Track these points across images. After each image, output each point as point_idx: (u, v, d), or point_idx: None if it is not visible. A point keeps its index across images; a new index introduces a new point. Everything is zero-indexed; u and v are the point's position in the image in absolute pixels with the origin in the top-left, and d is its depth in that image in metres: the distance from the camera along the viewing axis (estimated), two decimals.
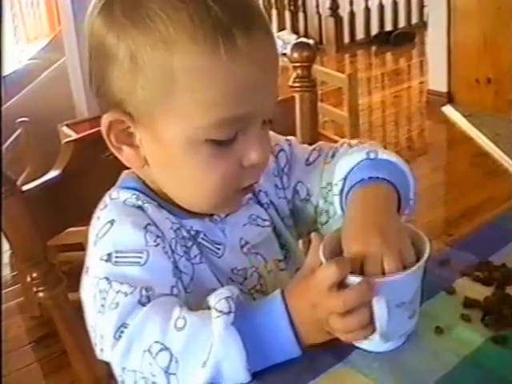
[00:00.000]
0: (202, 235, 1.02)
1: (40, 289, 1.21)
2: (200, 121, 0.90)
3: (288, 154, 1.14)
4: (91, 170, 1.20)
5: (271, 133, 1.04)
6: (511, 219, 1.22)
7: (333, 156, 1.12)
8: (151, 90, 0.90)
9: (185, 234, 1.01)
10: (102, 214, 0.98)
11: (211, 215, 1.04)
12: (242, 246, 1.06)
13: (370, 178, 0.99)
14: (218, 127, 0.90)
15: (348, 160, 1.05)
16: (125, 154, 0.98)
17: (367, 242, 0.88)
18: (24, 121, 2.77)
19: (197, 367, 0.84)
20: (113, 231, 0.95)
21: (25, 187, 1.19)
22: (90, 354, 0.96)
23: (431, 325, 0.92)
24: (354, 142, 1.13)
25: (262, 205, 1.10)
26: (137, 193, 1.00)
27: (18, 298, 3.09)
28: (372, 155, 1.04)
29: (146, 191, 1.01)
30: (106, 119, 0.95)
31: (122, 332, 0.87)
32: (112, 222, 0.95)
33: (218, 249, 1.03)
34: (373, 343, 0.88)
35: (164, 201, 1.01)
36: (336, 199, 1.05)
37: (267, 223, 1.09)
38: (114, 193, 1.01)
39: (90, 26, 0.94)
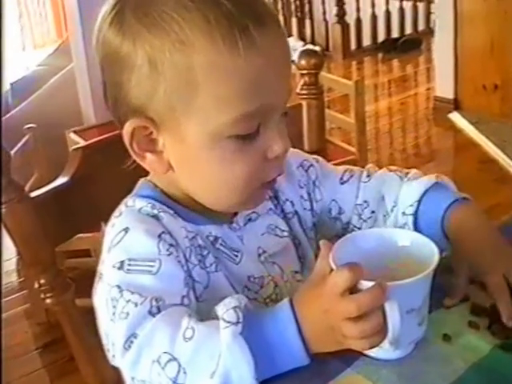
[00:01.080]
0: (220, 241, 1.03)
1: (48, 295, 1.22)
2: (223, 117, 0.91)
3: (318, 170, 1.17)
4: (100, 177, 1.20)
5: (296, 150, 1.11)
6: None
7: (368, 176, 1.16)
8: (173, 92, 0.90)
9: (200, 242, 1.00)
10: (117, 222, 0.99)
11: (230, 223, 1.05)
12: (259, 255, 1.06)
13: (463, 198, 1.08)
14: (241, 122, 0.91)
15: (417, 183, 1.11)
16: (148, 161, 0.98)
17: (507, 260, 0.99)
18: (32, 127, 2.77)
19: (205, 378, 0.84)
20: (126, 239, 0.95)
21: (33, 193, 1.20)
22: (98, 360, 0.97)
23: (439, 332, 0.92)
24: (392, 168, 1.18)
25: (285, 214, 1.12)
26: (152, 201, 1.00)
27: (24, 304, 3.09)
28: (442, 181, 1.11)
29: (163, 199, 1.01)
30: (128, 127, 0.95)
31: (132, 342, 0.87)
32: (126, 229, 0.96)
33: (236, 255, 1.03)
34: (382, 351, 0.87)
35: (183, 207, 1.01)
36: (410, 219, 1.09)
37: (285, 234, 1.10)
38: (130, 201, 1.01)
39: (101, 38, 0.95)
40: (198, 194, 1.00)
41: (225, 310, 0.86)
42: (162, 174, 1.00)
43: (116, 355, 0.90)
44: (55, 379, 2.65)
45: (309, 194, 1.15)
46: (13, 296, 3.17)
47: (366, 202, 1.14)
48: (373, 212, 1.14)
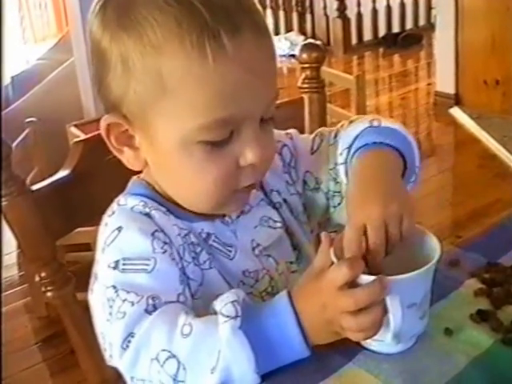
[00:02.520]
0: (213, 237, 1.02)
1: (48, 288, 1.22)
2: (191, 123, 0.90)
3: (291, 148, 1.14)
4: (100, 171, 1.20)
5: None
6: None
7: (335, 137, 1.12)
8: (142, 93, 0.90)
9: (193, 239, 1.00)
10: (110, 221, 0.99)
11: (223, 216, 1.04)
12: (253, 248, 1.06)
13: (374, 143, 1.00)
14: (210, 128, 0.90)
15: (351, 130, 1.06)
16: (126, 156, 0.99)
17: (369, 210, 0.89)
18: (32, 121, 2.77)
19: (205, 373, 0.84)
20: (120, 238, 0.95)
21: (34, 187, 1.19)
22: (98, 354, 0.96)
23: (440, 326, 0.92)
24: (354, 117, 1.14)
25: (274, 205, 1.10)
26: (145, 199, 1.00)
27: (25, 297, 3.09)
28: (375, 123, 1.05)
29: (155, 197, 1.01)
30: (103, 122, 0.96)
31: (130, 341, 0.87)
32: (119, 229, 0.96)
33: (230, 251, 1.03)
34: (383, 345, 0.88)
35: (174, 205, 1.01)
36: (341, 168, 1.05)
37: (279, 224, 1.09)
38: (122, 199, 1.01)
39: (89, 26, 0.96)
40: (173, 195, 1.00)
41: (223, 304, 0.86)
42: (138, 169, 1.01)
43: (114, 355, 0.90)
44: (55, 373, 2.65)
45: (290, 177, 1.13)
46: (13, 290, 3.17)
47: (336, 164, 1.09)
48: (341, 164, 1.07)
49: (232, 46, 0.87)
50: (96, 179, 1.23)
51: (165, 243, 0.95)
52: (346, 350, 0.88)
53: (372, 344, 0.89)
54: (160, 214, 0.98)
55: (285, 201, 1.12)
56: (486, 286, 1.00)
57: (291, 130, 1.17)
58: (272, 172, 1.06)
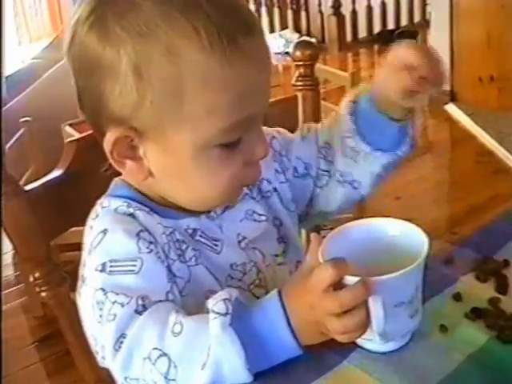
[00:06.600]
0: (199, 233, 1.03)
1: (43, 288, 1.21)
2: (212, 127, 0.90)
3: (280, 140, 1.16)
4: (94, 169, 1.19)
5: None
6: None
7: (323, 122, 1.16)
8: (160, 102, 0.89)
9: (179, 236, 1.00)
10: (95, 224, 0.99)
11: (208, 212, 1.04)
12: (239, 242, 1.06)
13: None
14: (229, 131, 0.91)
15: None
16: (128, 168, 0.97)
17: None
18: (27, 120, 2.77)
19: (196, 370, 0.84)
20: (106, 241, 0.95)
21: (28, 187, 1.19)
22: (94, 354, 0.96)
23: (436, 323, 0.92)
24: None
25: (264, 194, 1.12)
26: (128, 201, 1.00)
27: (21, 297, 3.09)
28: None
29: (138, 197, 1.01)
30: (110, 137, 0.94)
31: (122, 343, 0.87)
32: (105, 231, 0.96)
33: (216, 245, 1.04)
34: (375, 344, 0.88)
35: (158, 204, 1.01)
36: (347, 117, 1.08)
37: (263, 218, 1.10)
38: (104, 201, 1.01)
39: (77, 42, 0.92)
40: (178, 200, 1.00)
41: (214, 302, 0.86)
42: (139, 181, 1.00)
43: (107, 357, 0.90)
44: (52, 373, 2.65)
45: (280, 166, 1.15)
46: (9, 290, 3.16)
47: (327, 143, 1.14)
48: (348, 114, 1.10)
49: (248, 48, 0.89)
50: (90, 178, 1.22)
51: (150, 243, 0.96)
52: (340, 348, 0.88)
53: (365, 343, 0.89)
54: (144, 213, 0.99)
55: (275, 189, 1.13)
56: (481, 281, 1.01)
57: (278, 129, 1.19)
58: (262, 161, 1.07)
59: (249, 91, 0.91)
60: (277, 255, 1.11)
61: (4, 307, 2.98)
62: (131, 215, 0.98)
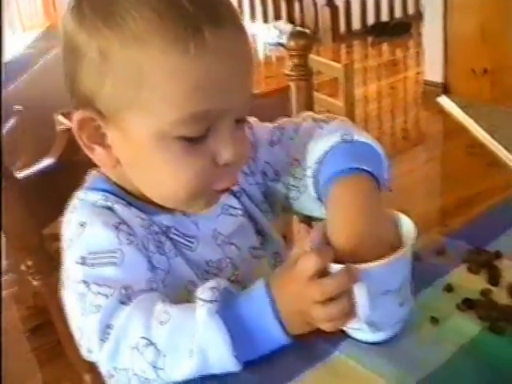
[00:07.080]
0: (173, 230, 1.02)
1: (35, 278, 1.21)
2: (169, 116, 0.89)
3: (251, 139, 1.11)
4: (86, 158, 1.19)
5: None
6: (507, 209, 1.22)
7: (297, 131, 1.10)
8: (120, 86, 0.90)
9: (157, 229, 1.01)
10: (73, 217, 0.98)
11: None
12: (215, 238, 1.06)
13: (350, 168, 0.95)
14: (186, 123, 0.90)
15: (320, 141, 1.01)
16: (97, 154, 0.98)
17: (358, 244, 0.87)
18: (19, 109, 2.76)
19: (183, 359, 0.85)
20: (85, 234, 0.95)
21: (19, 175, 1.19)
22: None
23: (427, 315, 0.92)
24: (318, 116, 1.11)
25: (234, 194, 1.10)
26: (106, 194, 1.00)
27: (12, 287, 3.08)
28: (348, 138, 0.99)
29: (115, 191, 1.01)
30: (76, 117, 0.95)
31: (108, 333, 0.87)
32: (83, 224, 0.96)
33: (191, 242, 1.03)
34: (365, 333, 0.88)
35: (135, 198, 1.01)
36: (310, 181, 1.02)
37: (240, 212, 1.09)
38: (81, 194, 1.01)
39: (63, 23, 0.95)
40: (145, 192, 1.00)
41: (202, 290, 0.87)
42: (110, 169, 1.00)
43: (93, 349, 0.90)
44: (44, 363, 2.65)
45: (249, 168, 1.12)
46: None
47: (296, 160, 1.07)
48: (304, 170, 1.05)
49: (214, 41, 0.87)
50: (82, 166, 1.22)
51: (129, 234, 0.96)
52: (331, 338, 0.88)
53: (355, 333, 0.89)
54: (122, 206, 0.98)
55: (243, 190, 1.11)
56: (472, 273, 1.01)
57: (251, 119, 1.13)
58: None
59: (210, 84, 0.89)
60: (255, 248, 1.11)
61: None
62: (109, 208, 0.98)
